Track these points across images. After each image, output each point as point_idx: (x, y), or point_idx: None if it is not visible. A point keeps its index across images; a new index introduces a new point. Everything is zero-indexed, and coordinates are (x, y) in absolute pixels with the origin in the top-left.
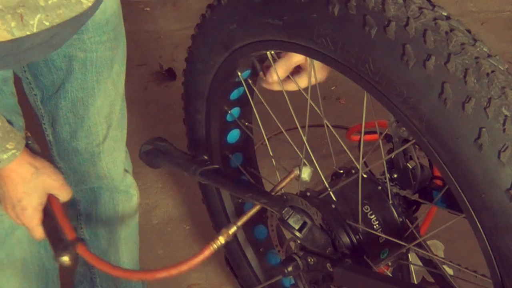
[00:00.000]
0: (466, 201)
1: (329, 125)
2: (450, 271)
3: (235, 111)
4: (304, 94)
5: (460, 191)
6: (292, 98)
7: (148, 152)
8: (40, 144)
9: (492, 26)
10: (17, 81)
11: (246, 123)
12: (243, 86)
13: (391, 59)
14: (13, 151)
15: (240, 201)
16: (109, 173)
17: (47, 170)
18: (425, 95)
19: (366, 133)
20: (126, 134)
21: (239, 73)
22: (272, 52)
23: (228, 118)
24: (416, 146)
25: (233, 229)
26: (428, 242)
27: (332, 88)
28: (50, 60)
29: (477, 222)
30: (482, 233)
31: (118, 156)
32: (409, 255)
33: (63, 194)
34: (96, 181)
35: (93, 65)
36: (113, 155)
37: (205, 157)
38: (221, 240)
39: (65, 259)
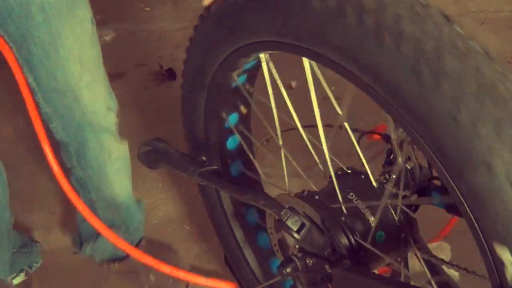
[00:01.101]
0: (454, 186)
1: (321, 125)
2: (450, 271)
3: (233, 117)
4: (295, 93)
5: (447, 176)
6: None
7: (147, 153)
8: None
9: (492, 26)
10: None
11: (245, 129)
12: (240, 91)
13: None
14: None
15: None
16: (92, 107)
17: None
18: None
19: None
20: (114, 95)
21: (236, 78)
22: (267, 55)
23: (226, 125)
24: (415, 146)
25: None
26: (434, 244)
27: (332, 88)
28: (10, 10)
29: (467, 209)
30: (473, 220)
31: (98, 92)
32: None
33: None
34: (80, 119)
35: (53, 9)
36: (93, 90)
37: (204, 158)
38: None
39: None
